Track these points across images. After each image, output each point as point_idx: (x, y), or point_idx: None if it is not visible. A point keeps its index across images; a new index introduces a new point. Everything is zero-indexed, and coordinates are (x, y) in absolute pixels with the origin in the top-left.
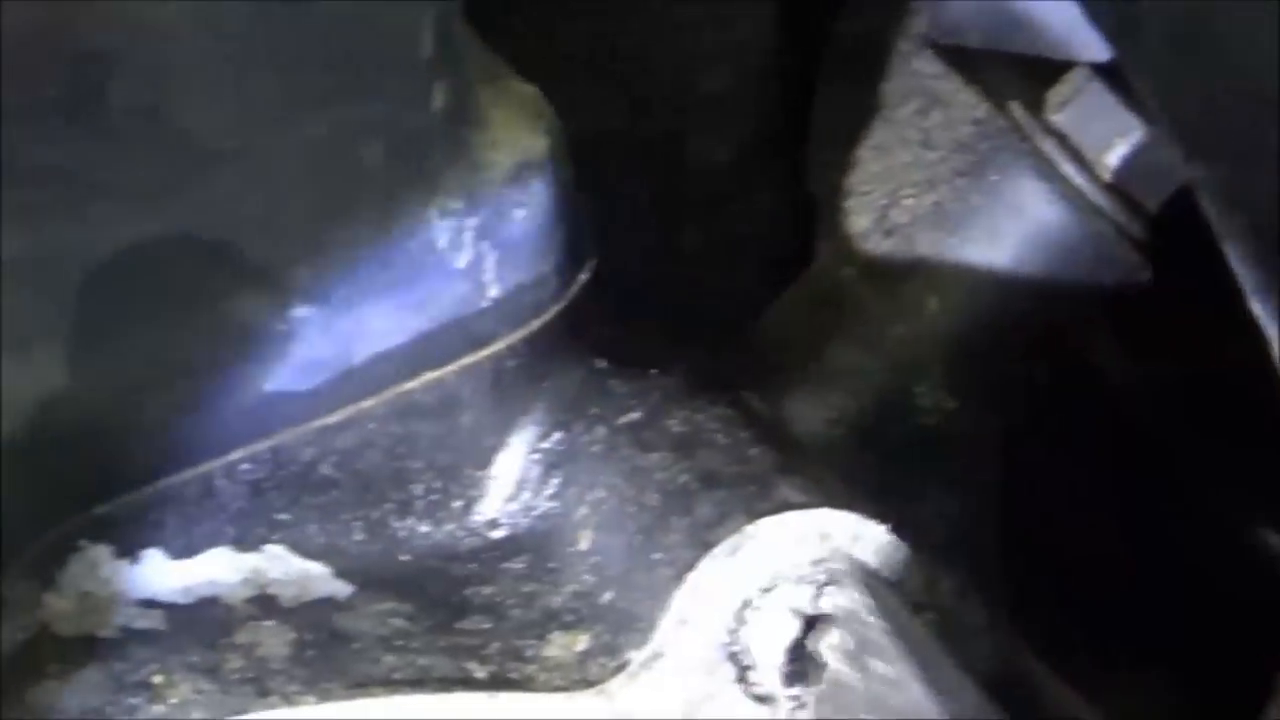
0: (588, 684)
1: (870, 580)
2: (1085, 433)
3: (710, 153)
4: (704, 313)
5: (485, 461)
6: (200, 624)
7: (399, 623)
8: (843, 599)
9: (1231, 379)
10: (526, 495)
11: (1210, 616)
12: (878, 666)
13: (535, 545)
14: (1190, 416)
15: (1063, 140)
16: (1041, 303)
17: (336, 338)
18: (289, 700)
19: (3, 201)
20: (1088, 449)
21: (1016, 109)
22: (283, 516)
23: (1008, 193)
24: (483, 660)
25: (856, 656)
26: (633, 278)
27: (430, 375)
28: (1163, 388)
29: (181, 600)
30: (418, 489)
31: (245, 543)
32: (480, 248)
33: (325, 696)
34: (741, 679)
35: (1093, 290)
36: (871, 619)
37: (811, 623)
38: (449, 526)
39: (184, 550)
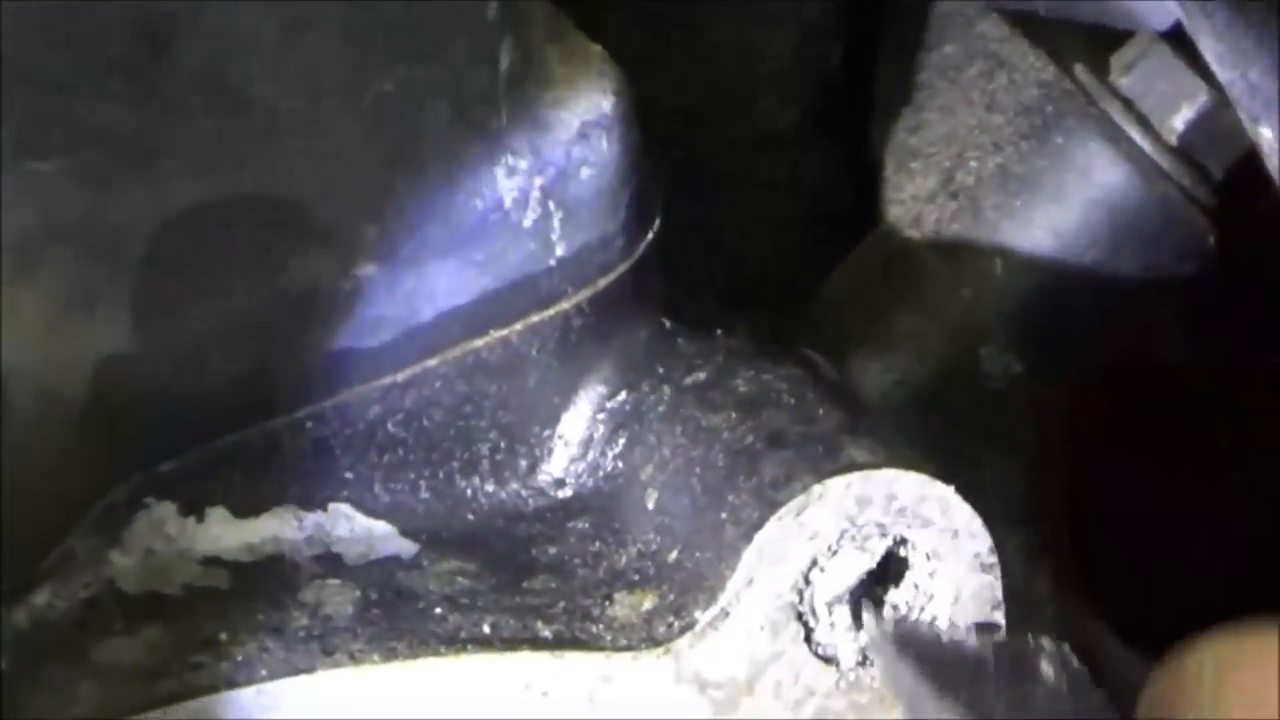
0: (654, 643)
1: (935, 540)
2: (1146, 402)
3: (774, 117)
4: (767, 277)
5: (551, 420)
6: (265, 582)
7: (464, 582)
8: (909, 559)
9: None
10: (593, 454)
11: (1270, 589)
12: (943, 627)
13: (601, 505)
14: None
15: (1128, 104)
16: (1108, 266)
17: (402, 296)
18: (354, 659)
19: (71, 162)
20: (1148, 419)
21: (1081, 72)
22: (348, 475)
23: (1073, 156)
24: (548, 620)
25: (922, 616)
26: (695, 241)
27: (496, 334)
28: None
29: (246, 558)
30: (483, 448)
31: (310, 501)
32: (546, 206)
33: (390, 655)
34: (808, 639)
35: (1158, 254)
36: (937, 579)
37: (877, 582)
38: (514, 485)
39: (249, 508)
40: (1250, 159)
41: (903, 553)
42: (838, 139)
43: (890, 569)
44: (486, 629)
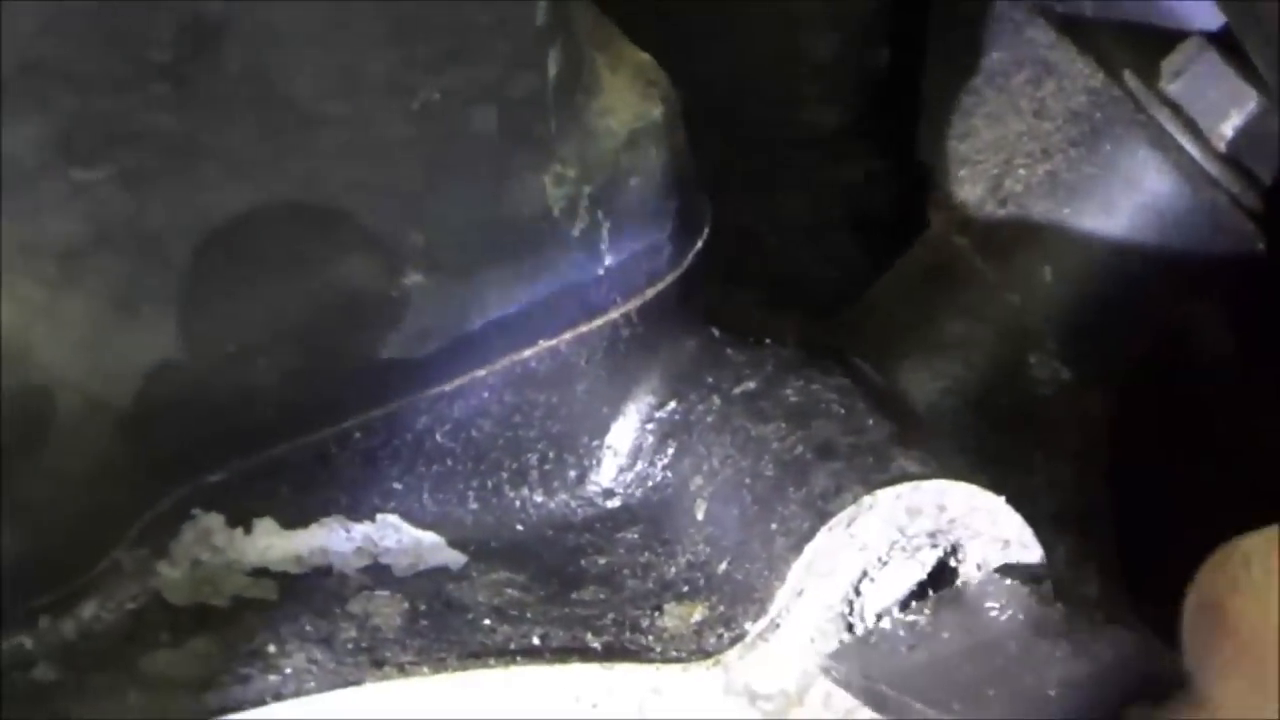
0: (704, 655)
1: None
2: (1192, 409)
3: (818, 120)
4: (813, 283)
5: (600, 431)
6: (313, 593)
7: (513, 593)
8: (960, 569)
9: None
10: (641, 465)
11: None
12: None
13: (650, 515)
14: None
15: (1176, 110)
16: (1156, 273)
17: (450, 305)
18: (403, 670)
19: (116, 167)
20: (1193, 425)
21: (1130, 78)
22: (396, 485)
23: (1122, 163)
24: (598, 631)
25: (973, 629)
26: (741, 247)
27: (545, 344)
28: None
29: (294, 569)
30: (532, 458)
31: (358, 512)
32: (595, 215)
33: (439, 667)
34: None
35: (1208, 261)
36: (989, 589)
37: (928, 593)
38: (563, 496)
39: (296, 519)
40: None
41: (953, 563)
42: (881, 143)
43: (942, 580)
44: (536, 640)
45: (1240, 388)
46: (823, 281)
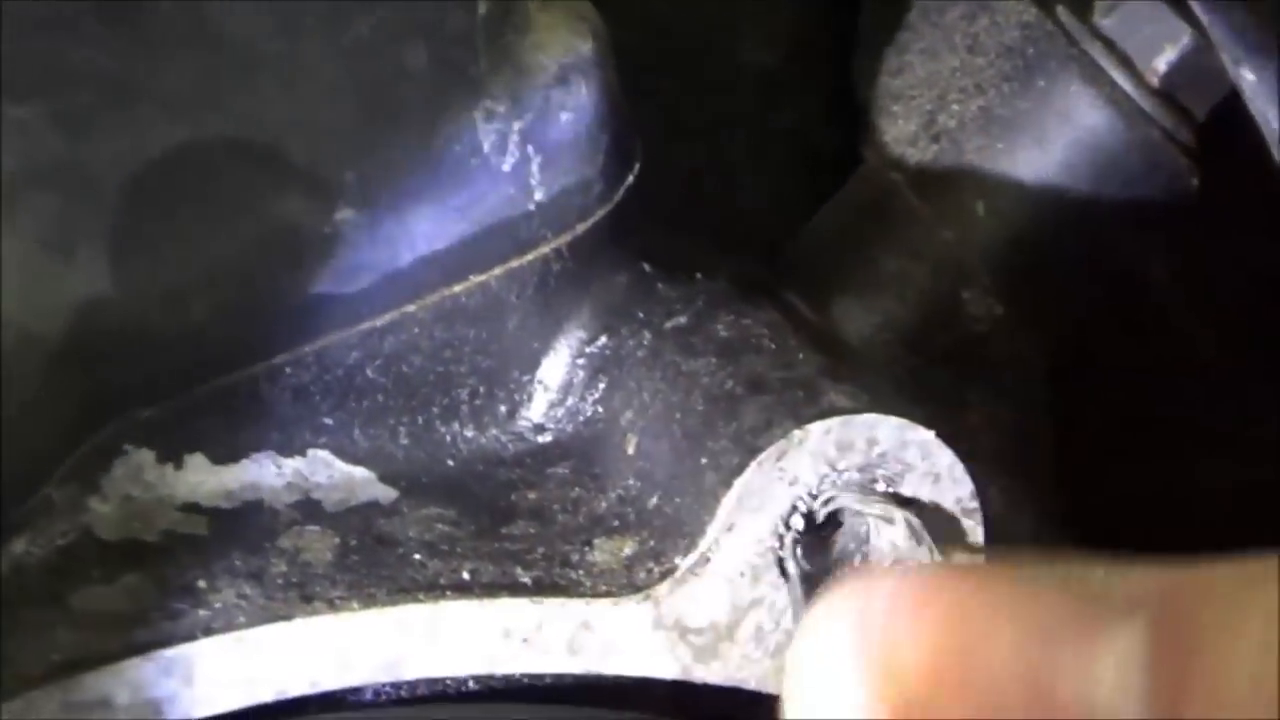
0: (634, 589)
1: (917, 484)
2: (1133, 345)
3: (755, 59)
4: (747, 220)
5: (531, 366)
6: (244, 529)
7: (444, 528)
8: (890, 504)
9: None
10: (572, 400)
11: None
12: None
13: (581, 450)
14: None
15: (1110, 45)
16: (1090, 209)
17: (382, 241)
18: (333, 606)
19: (50, 105)
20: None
21: (1063, 13)
22: (327, 421)
23: (1055, 98)
24: (528, 566)
25: (903, 562)
26: (676, 184)
27: (476, 279)
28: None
29: (225, 505)
30: (463, 393)
31: (289, 447)
32: (525, 151)
33: (370, 602)
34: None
35: (1141, 196)
36: (916, 524)
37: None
38: (494, 431)
39: (228, 455)
40: (1232, 101)
41: (883, 497)
42: (824, 81)
43: (870, 513)
44: (466, 575)
45: (1190, 338)
46: (766, 220)
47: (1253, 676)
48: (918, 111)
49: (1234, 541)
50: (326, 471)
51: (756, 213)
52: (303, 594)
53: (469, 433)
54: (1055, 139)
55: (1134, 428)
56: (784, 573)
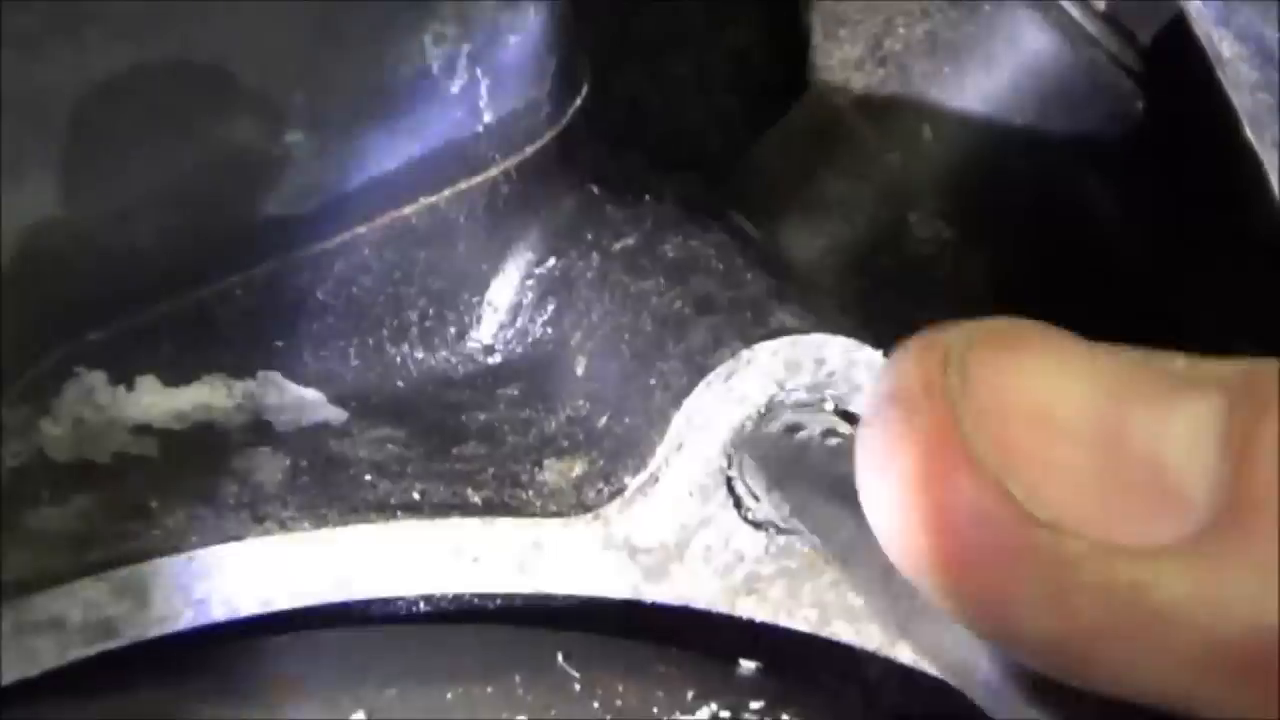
0: (584, 509)
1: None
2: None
3: None
4: (695, 143)
5: (480, 287)
6: (195, 450)
7: (394, 449)
8: (839, 422)
9: (1224, 211)
10: (521, 321)
11: None
12: None
13: (530, 371)
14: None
15: None
16: (1036, 132)
17: (331, 163)
18: (284, 526)
19: None
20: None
21: None
22: (277, 343)
23: (1001, 21)
24: (478, 486)
25: None
26: (622, 108)
27: (425, 200)
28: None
29: (176, 426)
30: (412, 315)
31: (240, 369)
32: (474, 73)
33: (321, 522)
34: (737, 504)
35: (1087, 119)
36: None
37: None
38: (444, 353)
39: (179, 377)
40: (1177, 24)
41: (830, 415)
42: (769, 4)
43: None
44: (416, 495)
45: (1133, 261)
46: (712, 144)
47: None
48: (863, 36)
49: None
50: (277, 393)
51: (702, 134)
52: (254, 514)
53: (419, 354)
54: (1001, 63)
55: None
56: (732, 492)
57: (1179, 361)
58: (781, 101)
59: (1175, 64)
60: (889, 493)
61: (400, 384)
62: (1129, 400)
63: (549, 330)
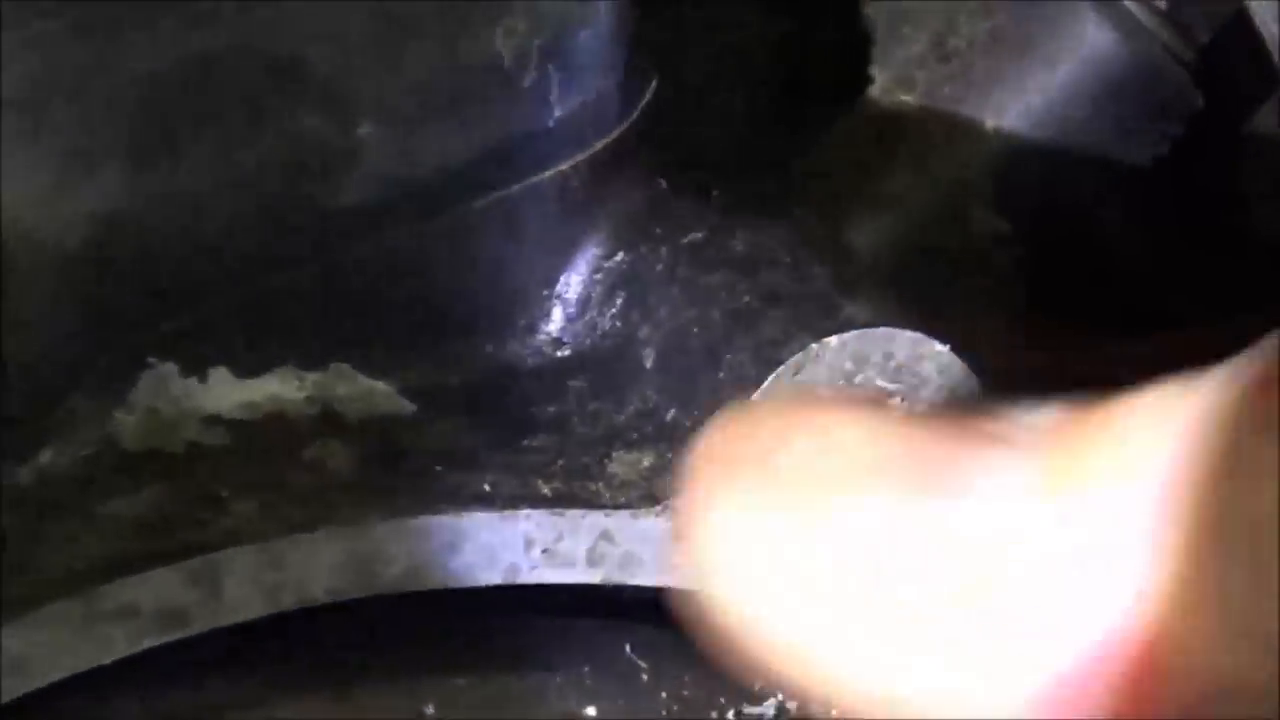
0: (653, 501)
1: (932, 398)
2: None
3: None
4: (760, 138)
5: (549, 281)
6: (265, 440)
7: (464, 440)
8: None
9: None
10: (590, 314)
11: None
12: None
13: (599, 364)
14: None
15: None
16: (1095, 129)
17: (401, 155)
18: (354, 516)
19: (72, 15)
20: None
21: None
22: (347, 335)
23: (1063, 18)
24: (548, 477)
25: None
26: (690, 103)
27: (495, 195)
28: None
29: (247, 417)
30: (482, 307)
31: (311, 360)
32: (545, 67)
33: (391, 513)
34: None
35: (1146, 117)
36: None
37: None
38: (513, 345)
39: (250, 368)
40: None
41: (900, 408)
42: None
43: None
44: (486, 487)
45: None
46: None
47: None
48: (926, 32)
49: None
50: (348, 384)
51: (766, 130)
52: (325, 504)
53: (488, 347)
54: (1063, 59)
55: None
56: None
57: None
58: (845, 97)
59: (1234, 62)
60: None
61: (469, 376)
62: None
63: (617, 323)
